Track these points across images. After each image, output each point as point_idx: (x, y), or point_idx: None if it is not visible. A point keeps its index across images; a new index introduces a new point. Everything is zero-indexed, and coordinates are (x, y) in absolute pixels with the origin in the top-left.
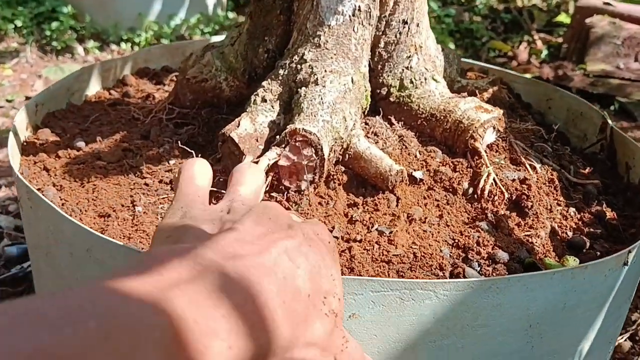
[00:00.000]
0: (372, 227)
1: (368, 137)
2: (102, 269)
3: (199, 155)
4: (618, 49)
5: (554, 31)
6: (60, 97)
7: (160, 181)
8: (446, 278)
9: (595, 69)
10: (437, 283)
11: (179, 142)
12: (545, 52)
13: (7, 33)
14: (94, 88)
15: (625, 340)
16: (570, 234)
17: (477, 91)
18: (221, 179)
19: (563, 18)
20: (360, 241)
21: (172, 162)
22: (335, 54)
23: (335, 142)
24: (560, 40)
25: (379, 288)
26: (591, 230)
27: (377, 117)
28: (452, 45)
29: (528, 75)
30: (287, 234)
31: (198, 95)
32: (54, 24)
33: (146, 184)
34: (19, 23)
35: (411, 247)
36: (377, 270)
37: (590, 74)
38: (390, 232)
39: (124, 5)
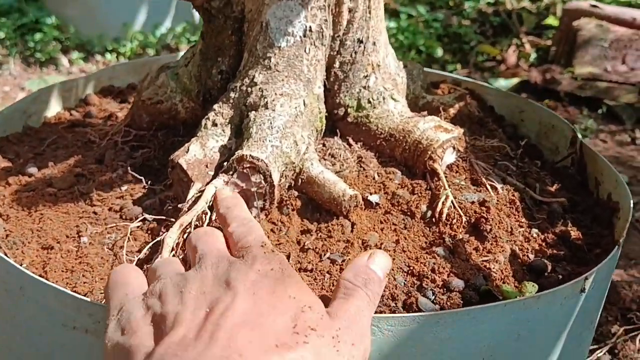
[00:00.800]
0: (324, 255)
1: (325, 160)
2: (37, 307)
3: (149, 181)
4: (605, 51)
5: (543, 34)
6: (16, 120)
7: (110, 209)
8: (398, 308)
9: (583, 72)
10: (380, 318)
11: (132, 166)
12: (533, 56)
13: None
14: (54, 109)
15: (604, 353)
16: (532, 256)
17: (442, 107)
18: (170, 207)
19: (552, 21)
20: (311, 270)
21: (124, 188)
22: (286, 76)
23: (287, 167)
24: (549, 43)
25: None
26: (554, 252)
27: (335, 138)
28: (440, 50)
29: (516, 79)
30: (226, 305)
31: (154, 117)
32: (38, 35)
33: (95, 212)
34: (1, 34)
35: None
36: (326, 303)
37: (578, 77)
38: (343, 261)
39: (109, 16)
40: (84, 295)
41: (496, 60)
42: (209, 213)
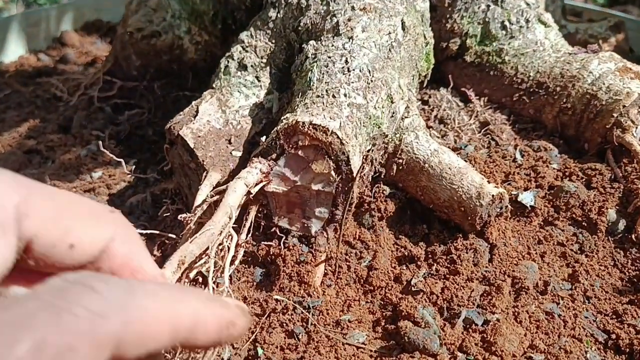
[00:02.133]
0: (450, 310)
1: (430, 127)
2: None
3: (134, 164)
4: None
5: None
6: None
7: None
8: None
9: None
10: None
11: (114, 138)
12: None
13: None
14: (15, 51)
15: None
16: None
17: (592, 41)
18: (168, 212)
19: None
20: (428, 351)
21: (96, 174)
22: None
23: (375, 144)
24: None
25: None
26: None
27: (442, 89)
28: None
29: None
30: None
31: (148, 58)
32: None
33: None
34: None
35: (529, 355)
36: None
37: None
38: (486, 322)
39: None
40: None
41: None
42: (234, 237)
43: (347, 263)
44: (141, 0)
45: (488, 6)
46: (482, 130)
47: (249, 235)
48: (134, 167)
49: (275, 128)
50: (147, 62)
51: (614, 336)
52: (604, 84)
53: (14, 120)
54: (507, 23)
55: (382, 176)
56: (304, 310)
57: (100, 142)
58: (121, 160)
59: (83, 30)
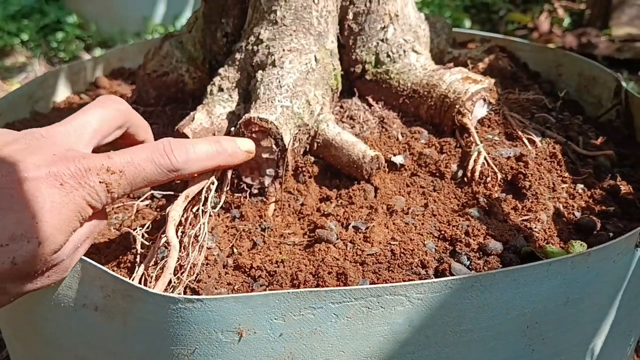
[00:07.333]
0: (346, 223)
1: (343, 122)
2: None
3: None
4: None
5: None
6: (22, 106)
7: None
8: (430, 276)
9: (621, 33)
10: (408, 286)
11: None
12: (567, 21)
13: (14, 48)
14: (63, 93)
15: None
16: (578, 214)
17: (470, 62)
18: (178, 182)
19: None
20: (330, 242)
21: None
22: (294, 31)
23: (300, 130)
24: (582, 6)
25: (340, 299)
26: (603, 208)
27: (353, 98)
28: (467, 22)
29: (552, 45)
30: None
31: (161, 90)
32: (60, 35)
33: None
34: (25, 37)
35: (389, 243)
36: (350, 275)
37: (616, 39)
38: (367, 228)
39: (129, 11)
40: None
41: (528, 28)
42: (215, 183)
43: (289, 203)
44: (155, 51)
45: (377, 43)
46: (379, 123)
47: (227, 187)
48: None
49: (238, 121)
50: (160, 93)
51: (444, 232)
52: (452, 87)
53: None
54: (390, 53)
55: (308, 151)
56: (262, 231)
57: None
58: None
59: (111, 75)
